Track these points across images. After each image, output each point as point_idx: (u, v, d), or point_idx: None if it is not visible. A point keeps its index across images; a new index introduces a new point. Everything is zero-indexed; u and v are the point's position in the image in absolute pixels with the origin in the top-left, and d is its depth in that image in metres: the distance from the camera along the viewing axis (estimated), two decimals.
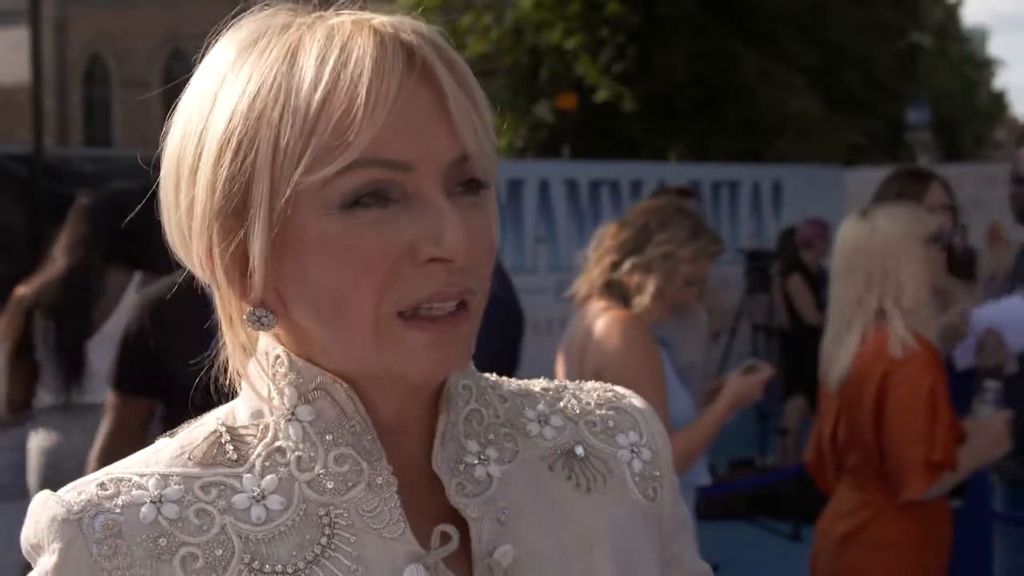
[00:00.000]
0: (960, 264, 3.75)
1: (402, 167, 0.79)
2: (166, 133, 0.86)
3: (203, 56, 0.86)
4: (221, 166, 0.81)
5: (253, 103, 0.80)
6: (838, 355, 2.92)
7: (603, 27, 16.93)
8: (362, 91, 0.78)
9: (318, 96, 0.78)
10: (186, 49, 35.71)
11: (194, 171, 0.83)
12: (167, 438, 0.88)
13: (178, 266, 0.90)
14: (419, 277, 0.80)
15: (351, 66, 0.79)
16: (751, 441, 8.01)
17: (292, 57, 0.80)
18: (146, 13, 30.85)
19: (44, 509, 0.82)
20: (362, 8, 0.85)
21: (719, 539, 5.55)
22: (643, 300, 2.96)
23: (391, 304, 0.80)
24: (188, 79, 0.88)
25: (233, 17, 0.86)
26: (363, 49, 0.79)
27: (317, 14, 0.84)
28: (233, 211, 0.81)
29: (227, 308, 0.87)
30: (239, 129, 0.80)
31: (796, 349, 7.61)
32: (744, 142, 16.55)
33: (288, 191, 0.79)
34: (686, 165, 12.45)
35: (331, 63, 0.79)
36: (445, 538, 0.84)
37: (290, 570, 0.82)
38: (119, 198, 4.03)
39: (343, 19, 0.82)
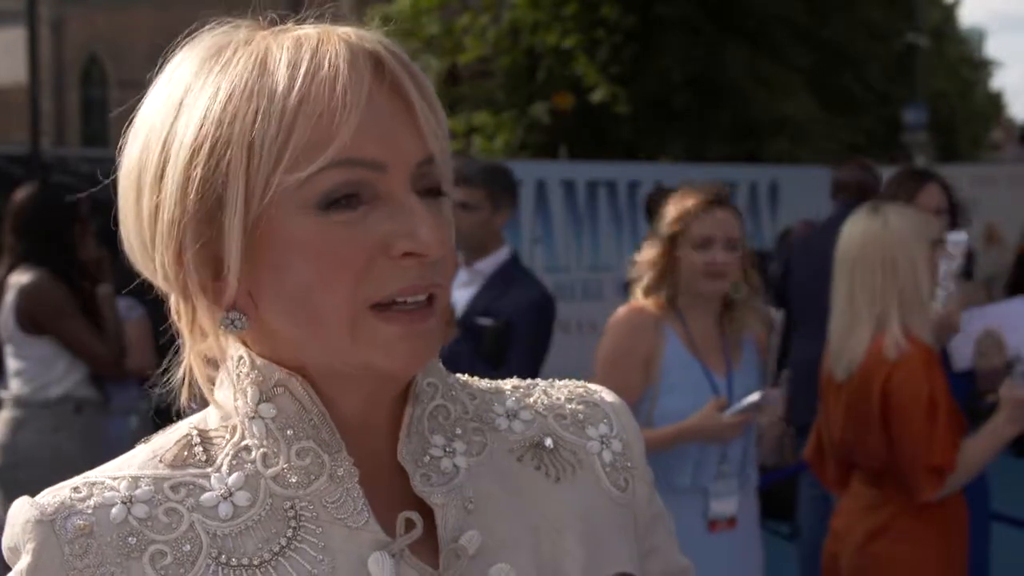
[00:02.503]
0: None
1: (378, 167, 0.83)
2: (122, 146, 0.88)
3: (159, 70, 0.89)
4: (193, 169, 0.82)
5: (225, 107, 0.82)
6: (848, 345, 2.91)
7: (599, 28, 16.93)
8: (338, 94, 0.81)
9: (293, 98, 0.81)
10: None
11: (158, 178, 0.84)
12: (143, 444, 0.91)
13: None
14: (392, 271, 0.83)
15: (324, 70, 0.82)
16: None
17: (262, 65, 0.83)
18: (143, 14, 30.83)
19: (20, 513, 0.85)
20: (321, 21, 0.88)
21: None
22: None
23: (365, 298, 0.82)
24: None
25: (188, 35, 0.89)
26: (333, 55, 0.83)
27: (279, 27, 0.87)
28: (206, 214, 0.83)
29: (190, 315, 0.90)
30: (212, 133, 0.82)
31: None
32: (740, 143, 16.56)
33: (264, 192, 0.81)
34: (683, 166, 12.45)
35: (304, 67, 0.82)
36: (410, 525, 0.86)
37: (256, 562, 0.84)
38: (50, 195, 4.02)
39: (307, 30, 0.86)
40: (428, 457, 0.89)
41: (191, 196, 0.83)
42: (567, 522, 0.92)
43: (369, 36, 0.86)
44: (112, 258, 3.95)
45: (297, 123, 0.81)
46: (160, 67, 0.89)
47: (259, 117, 0.81)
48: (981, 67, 40.13)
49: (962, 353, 3.45)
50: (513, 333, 3.51)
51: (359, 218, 0.82)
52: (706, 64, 16.59)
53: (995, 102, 41.38)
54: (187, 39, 0.89)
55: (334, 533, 0.85)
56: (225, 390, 0.89)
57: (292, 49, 0.83)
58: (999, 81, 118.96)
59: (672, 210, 3.01)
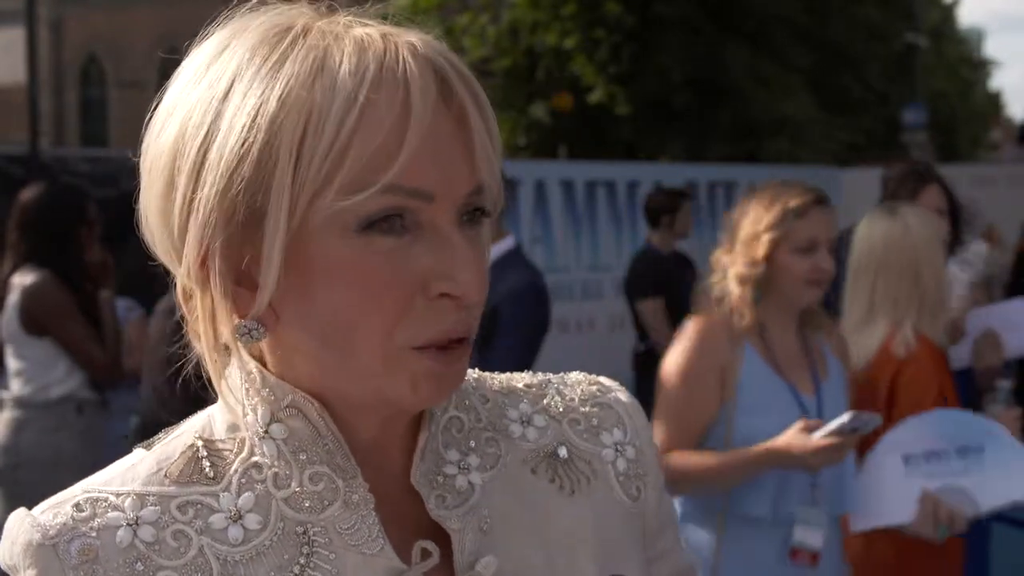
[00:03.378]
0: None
1: (426, 197, 0.78)
2: (150, 119, 0.82)
3: (199, 44, 0.82)
4: (238, 172, 0.76)
5: (278, 111, 0.76)
6: (859, 342, 2.92)
7: (599, 28, 16.93)
8: (397, 116, 0.76)
9: (353, 115, 0.75)
10: (182, 49, 35.51)
11: (195, 173, 0.78)
12: (143, 449, 0.87)
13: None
14: (430, 313, 0.79)
15: (388, 86, 0.76)
16: None
17: (320, 68, 0.76)
18: (142, 13, 30.83)
19: (20, 532, 0.81)
20: (377, 15, 0.82)
21: None
22: None
23: (404, 339, 0.79)
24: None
25: (235, 6, 0.82)
26: (400, 69, 0.77)
27: (339, 21, 0.80)
28: (242, 222, 0.77)
29: (208, 317, 0.83)
30: (260, 139, 0.76)
31: None
32: (740, 143, 16.56)
33: (308, 209, 0.76)
34: (683, 165, 12.45)
35: (368, 80, 0.76)
36: (426, 554, 0.84)
37: None
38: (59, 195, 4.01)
39: (370, 31, 0.79)
40: (442, 476, 0.87)
41: (230, 202, 0.77)
42: (581, 538, 0.91)
43: (434, 47, 0.80)
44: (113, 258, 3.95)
45: (354, 143, 0.75)
46: (199, 40, 0.82)
47: (311, 127, 0.75)
48: (980, 67, 40.15)
49: (960, 352, 3.46)
50: (499, 319, 3.43)
51: (401, 248, 0.78)
52: (706, 64, 16.60)
53: (994, 102, 41.40)
54: (234, 14, 0.82)
55: (348, 560, 0.83)
56: (234, 399, 0.85)
57: (356, 55, 0.76)
58: (998, 81, 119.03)
59: (768, 210, 2.61)
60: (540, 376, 0.99)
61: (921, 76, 23.77)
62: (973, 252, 3.35)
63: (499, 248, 3.66)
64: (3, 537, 0.83)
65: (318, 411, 0.83)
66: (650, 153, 16.53)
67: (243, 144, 0.76)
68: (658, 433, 2.56)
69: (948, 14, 33.58)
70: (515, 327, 3.49)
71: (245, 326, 0.81)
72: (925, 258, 2.85)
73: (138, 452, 0.86)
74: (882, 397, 2.86)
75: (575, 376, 1.00)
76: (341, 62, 0.76)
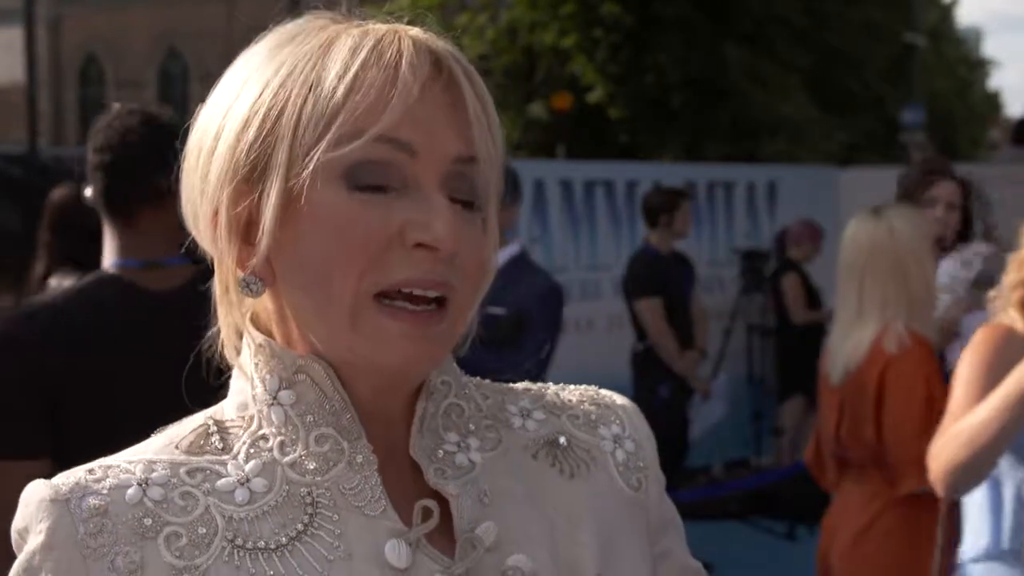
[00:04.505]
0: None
1: (408, 150, 0.83)
2: (197, 114, 0.90)
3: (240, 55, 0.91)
4: (245, 132, 0.85)
5: (285, 81, 0.85)
6: (843, 349, 2.94)
7: (597, 27, 16.93)
8: (386, 80, 0.83)
9: (346, 80, 0.83)
10: (181, 49, 35.71)
11: (214, 145, 0.87)
12: (158, 433, 0.91)
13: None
14: (403, 259, 0.83)
15: (381, 60, 0.84)
16: (746, 441, 8.01)
17: (327, 48, 0.86)
18: (141, 13, 30.81)
19: (34, 493, 0.85)
20: (402, 20, 0.90)
21: (714, 539, 5.56)
22: None
23: (371, 283, 0.83)
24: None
25: (277, 23, 0.91)
26: (395, 48, 0.85)
27: (356, 21, 0.89)
28: (246, 177, 0.85)
29: (224, 277, 0.91)
30: (268, 103, 0.85)
31: (792, 349, 7.62)
32: (738, 143, 16.56)
33: (304, 164, 0.83)
34: (681, 165, 12.46)
35: (362, 55, 0.84)
36: (427, 513, 0.86)
37: (272, 545, 0.84)
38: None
39: (379, 26, 0.88)
40: (442, 452, 0.90)
41: (237, 158, 0.85)
42: (581, 516, 0.93)
43: (439, 39, 0.89)
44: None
45: (345, 106, 0.83)
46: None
47: (311, 93, 0.83)
48: (979, 67, 40.16)
49: (956, 353, 3.45)
50: (525, 321, 3.62)
51: (384, 200, 0.83)
52: (704, 64, 16.60)
53: (993, 102, 41.42)
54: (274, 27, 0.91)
55: (351, 520, 0.86)
56: (244, 378, 0.90)
57: (357, 37, 0.86)
58: (997, 81, 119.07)
59: None
60: (539, 384, 1.02)
61: (920, 76, 23.77)
62: (974, 252, 3.34)
63: (505, 253, 3.78)
64: (20, 505, 0.86)
65: (324, 370, 0.87)
66: (648, 153, 16.53)
67: (253, 109, 0.85)
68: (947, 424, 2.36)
69: (947, 14, 33.58)
70: (542, 327, 3.70)
71: (245, 279, 0.87)
72: (911, 259, 2.87)
73: (153, 436, 0.91)
74: (871, 395, 2.88)
75: (572, 385, 1.03)
76: (344, 42, 0.86)
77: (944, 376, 2.95)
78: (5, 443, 1.92)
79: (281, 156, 0.84)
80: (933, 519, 2.87)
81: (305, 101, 0.84)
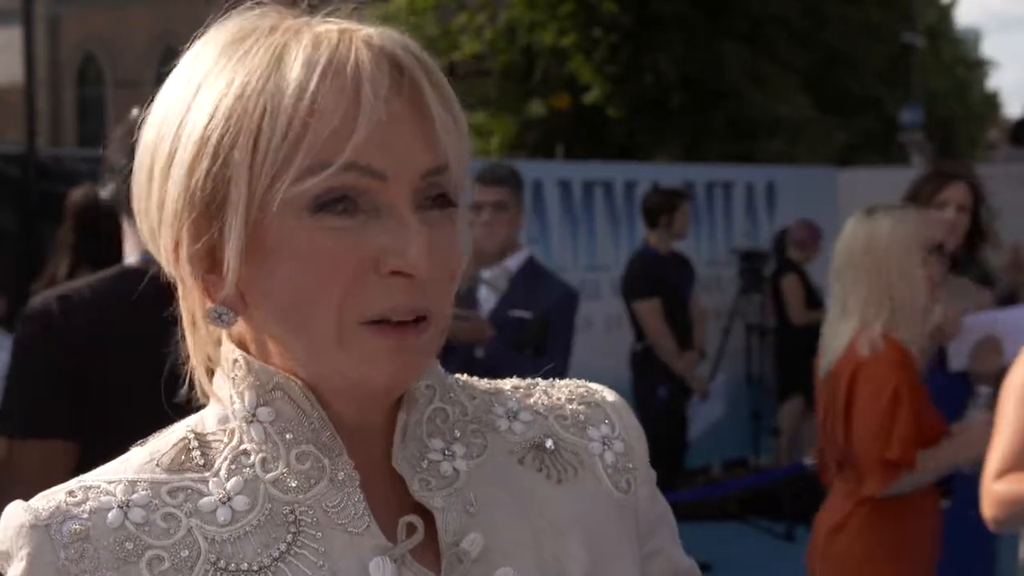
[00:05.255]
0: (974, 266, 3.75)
1: (378, 176, 0.80)
2: (142, 122, 0.86)
3: (187, 50, 0.86)
4: (199, 163, 0.81)
5: (235, 104, 0.80)
6: (830, 348, 2.97)
7: (596, 27, 16.93)
8: (351, 103, 0.79)
9: (304, 103, 0.78)
10: (179, 48, 35.52)
11: (168, 165, 0.83)
12: (138, 447, 0.89)
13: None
14: (380, 288, 0.81)
15: (339, 75, 0.79)
16: (745, 441, 8.01)
17: (277, 61, 0.80)
18: (139, 12, 30.79)
19: (13, 517, 0.83)
20: (351, 15, 0.85)
21: (713, 539, 5.57)
22: None
23: (354, 313, 0.81)
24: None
25: (221, 14, 0.86)
26: (351, 59, 0.80)
27: (304, 20, 0.84)
28: (205, 209, 0.82)
29: (190, 306, 0.89)
30: (219, 128, 0.80)
31: (790, 349, 7.63)
32: (737, 143, 16.56)
33: (266, 197, 0.79)
34: (680, 166, 12.44)
35: (319, 70, 0.79)
36: (411, 529, 0.85)
37: (255, 567, 0.83)
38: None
39: (330, 27, 0.83)
40: (426, 462, 0.88)
41: (193, 191, 0.81)
42: (569, 524, 0.91)
43: (393, 37, 0.83)
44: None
45: (307, 130, 0.78)
46: (189, 46, 0.87)
47: (267, 118, 0.79)
48: (977, 67, 40.16)
49: (959, 354, 3.45)
50: (551, 326, 3.79)
51: (355, 227, 0.80)
52: (702, 64, 16.60)
53: (991, 102, 41.42)
54: (218, 20, 0.86)
55: (334, 538, 0.84)
56: (222, 391, 0.88)
57: (310, 47, 0.80)
58: (995, 81, 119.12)
59: None
60: (527, 380, 1.00)
61: (918, 76, 23.78)
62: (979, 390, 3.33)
63: (522, 256, 3.96)
64: None
65: (302, 389, 0.85)
66: (647, 153, 16.52)
67: (204, 135, 0.81)
68: (995, 456, 2.39)
69: (945, 14, 33.58)
70: (564, 331, 3.88)
71: (215, 311, 0.84)
72: (896, 261, 2.87)
73: (133, 449, 0.89)
74: (842, 396, 2.90)
75: (562, 380, 1.01)
76: (296, 55, 0.80)
77: (942, 378, 2.95)
78: (28, 422, 1.97)
79: (240, 191, 0.80)
80: (903, 522, 2.86)
81: (260, 128, 0.79)
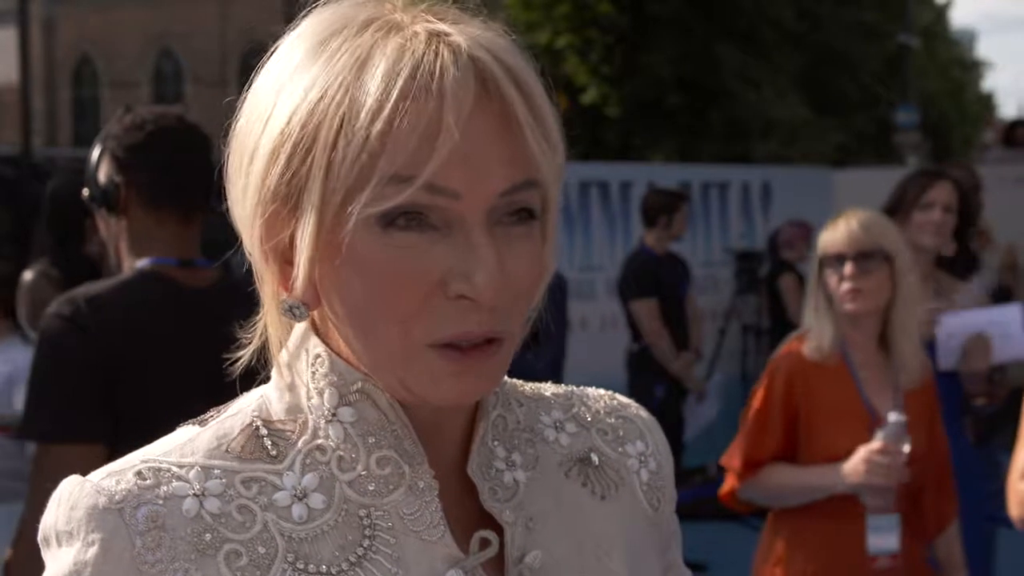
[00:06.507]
0: (962, 264, 3.73)
1: (451, 194, 0.77)
2: (240, 105, 0.85)
3: (283, 39, 0.84)
4: (274, 165, 0.80)
5: (314, 108, 0.78)
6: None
7: (592, 28, 16.96)
8: (428, 121, 0.76)
9: (381, 120, 0.75)
10: (174, 49, 35.66)
11: (251, 159, 0.82)
12: (195, 426, 0.86)
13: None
14: (448, 311, 0.78)
15: (420, 94, 0.76)
16: None
17: (360, 67, 0.78)
18: (134, 13, 30.78)
19: (81, 496, 0.79)
20: (441, 13, 0.82)
21: (709, 539, 5.57)
22: None
23: (421, 335, 0.79)
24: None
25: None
26: (437, 73, 0.76)
27: (398, 16, 0.81)
28: (281, 207, 0.81)
29: (268, 294, 0.86)
30: (296, 133, 0.78)
31: None
32: (732, 144, 16.59)
33: (340, 208, 0.77)
34: (676, 166, 12.46)
35: (399, 86, 0.76)
36: (485, 544, 0.84)
37: (334, 571, 0.81)
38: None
39: (420, 29, 0.79)
40: (493, 470, 0.88)
41: (268, 185, 0.80)
42: (613, 542, 0.92)
43: (485, 44, 0.79)
44: None
45: (383, 151, 0.75)
46: (291, 28, 0.84)
47: (342, 136, 0.76)
48: (972, 68, 40.25)
49: (948, 354, 3.43)
50: (542, 311, 3.82)
51: (425, 245, 0.78)
52: (698, 65, 16.62)
53: (986, 103, 41.52)
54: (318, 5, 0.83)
55: (408, 545, 0.83)
56: (297, 383, 0.86)
57: (393, 57, 0.77)
58: (990, 82, 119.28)
59: None
60: (564, 387, 1.00)
61: (913, 77, 23.81)
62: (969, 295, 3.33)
63: None
64: (55, 503, 0.81)
65: (388, 398, 0.83)
66: (642, 154, 16.55)
67: (281, 139, 0.79)
68: (1021, 456, 2.38)
69: (940, 15, 33.66)
70: (557, 318, 3.91)
71: (288, 303, 0.83)
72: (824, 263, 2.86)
73: (190, 428, 0.85)
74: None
75: (594, 390, 1.01)
76: (379, 64, 0.77)
77: (934, 374, 2.94)
78: (64, 426, 1.93)
79: (313, 201, 0.78)
80: (808, 525, 2.77)
81: (336, 144, 0.76)
